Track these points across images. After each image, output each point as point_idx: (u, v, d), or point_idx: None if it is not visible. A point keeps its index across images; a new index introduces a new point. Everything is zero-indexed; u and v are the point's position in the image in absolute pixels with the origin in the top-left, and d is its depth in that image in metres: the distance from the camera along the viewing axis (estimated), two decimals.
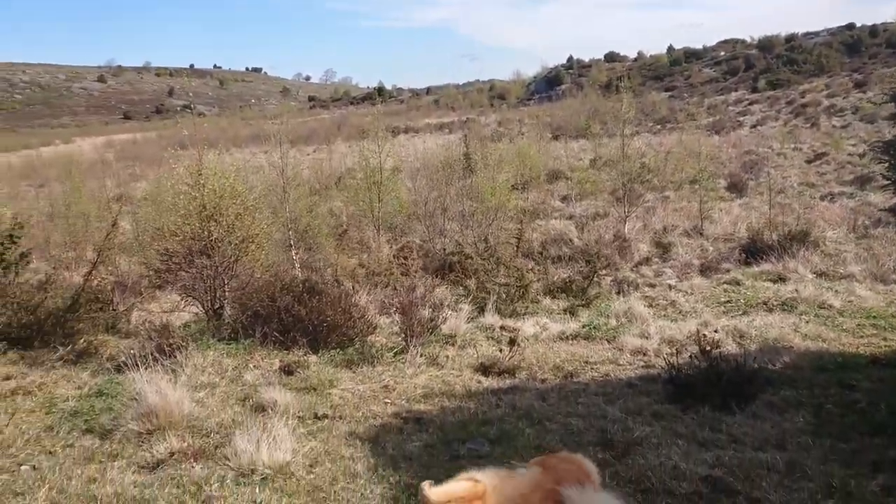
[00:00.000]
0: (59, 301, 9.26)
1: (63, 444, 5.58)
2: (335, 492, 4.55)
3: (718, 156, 30.17)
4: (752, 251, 15.51)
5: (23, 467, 5.11)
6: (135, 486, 4.66)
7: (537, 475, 3.57)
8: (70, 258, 19.92)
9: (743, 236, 18.21)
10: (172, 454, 5.12)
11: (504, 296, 11.67)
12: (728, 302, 11.43)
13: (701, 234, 20.23)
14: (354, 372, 7.56)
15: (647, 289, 13.98)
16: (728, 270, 14.73)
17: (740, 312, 10.55)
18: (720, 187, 26.36)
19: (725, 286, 12.85)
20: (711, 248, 18.23)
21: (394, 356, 8.08)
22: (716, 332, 8.29)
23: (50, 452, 5.40)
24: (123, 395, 6.52)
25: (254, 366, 7.69)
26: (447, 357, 8.14)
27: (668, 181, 27.25)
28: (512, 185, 24.29)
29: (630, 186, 22.37)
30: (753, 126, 43.92)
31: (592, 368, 7.73)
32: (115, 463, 5.11)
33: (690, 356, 6.56)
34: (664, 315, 10.87)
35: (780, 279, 12.79)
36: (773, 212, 19.41)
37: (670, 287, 13.74)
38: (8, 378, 7.51)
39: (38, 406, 6.56)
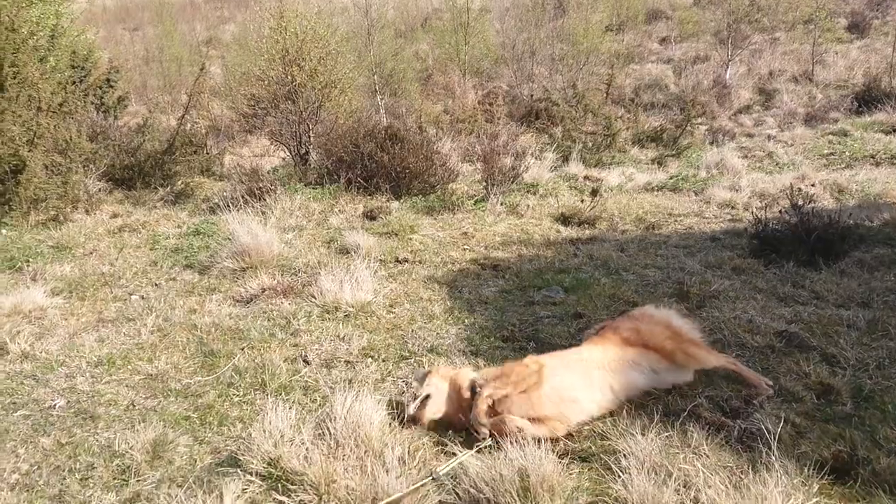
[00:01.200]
0: (156, 144, 9.71)
1: (166, 277, 6.05)
2: (413, 330, 4.78)
3: None
4: (866, 100, 14.35)
5: (133, 297, 5.61)
6: (230, 318, 5.05)
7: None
8: (166, 102, 20.57)
9: (858, 83, 16.80)
10: (264, 290, 5.48)
11: (590, 145, 11.38)
12: (831, 154, 10.76)
13: (810, 80, 18.77)
14: (435, 218, 7.69)
15: (743, 139, 13.31)
16: (836, 120, 13.75)
17: (843, 166, 9.95)
18: (839, 27, 23.97)
19: (830, 137, 12.06)
20: (820, 96, 16.97)
21: (474, 204, 8.15)
22: (812, 185, 7.89)
23: (155, 284, 5.88)
24: (218, 235, 6.93)
25: (338, 210, 7.95)
26: (528, 206, 8.14)
27: (780, 21, 24.98)
28: (606, 27, 22.95)
29: (736, 27, 20.72)
30: None
31: (676, 221, 7.57)
32: (213, 296, 5.52)
33: (781, 210, 6.30)
34: (759, 167, 10.39)
35: (894, 130, 11.84)
36: None
37: (769, 137, 13.03)
38: (115, 216, 8.08)
39: (143, 242, 7.08)
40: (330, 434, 3.26)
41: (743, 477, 2.78)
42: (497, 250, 6.67)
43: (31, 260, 6.43)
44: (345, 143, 8.85)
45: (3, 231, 7.31)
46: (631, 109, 14.27)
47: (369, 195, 8.40)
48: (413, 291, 5.54)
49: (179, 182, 9.33)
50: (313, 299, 5.27)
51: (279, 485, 3.04)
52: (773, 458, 2.79)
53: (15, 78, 7.92)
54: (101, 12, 42.93)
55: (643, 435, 3.10)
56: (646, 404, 3.61)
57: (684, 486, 2.79)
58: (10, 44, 7.96)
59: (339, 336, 4.69)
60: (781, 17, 25.10)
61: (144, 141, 9.62)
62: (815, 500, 2.74)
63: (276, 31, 9.19)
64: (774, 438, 2.92)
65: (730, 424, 3.37)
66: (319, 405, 3.70)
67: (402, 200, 8.32)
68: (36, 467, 3.33)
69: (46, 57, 9.38)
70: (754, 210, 6.92)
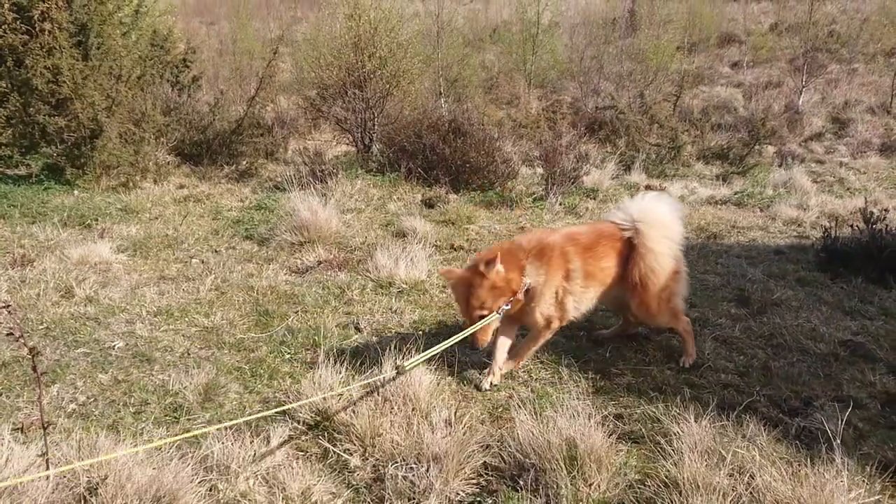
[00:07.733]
0: (225, 124, 9.93)
1: (227, 245, 6.18)
2: None
3: None
4: None
5: (193, 260, 5.74)
6: (286, 284, 5.13)
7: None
8: (236, 93, 21.06)
9: None
10: (320, 262, 5.55)
11: (654, 156, 11.22)
12: None
13: (888, 111, 18.16)
14: (492, 212, 7.67)
15: (813, 164, 12.95)
16: None
17: None
18: None
19: None
20: None
21: (533, 202, 8.10)
22: (886, 211, 7.57)
23: (215, 251, 6.01)
24: (279, 211, 7.03)
25: (397, 198, 8.00)
26: (586, 208, 8.06)
27: (860, 52, 24.28)
28: (677, 47, 22.66)
29: (813, 55, 20.21)
30: None
31: (739, 233, 7.38)
32: (270, 265, 5.61)
33: (852, 225, 6.10)
34: (829, 191, 10.06)
35: None
36: None
37: (841, 164, 12.65)
38: (182, 187, 8.30)
39: (206, 212, 7.25)
40: (378, 391, 3.27)
41: (801, 468, 2.67)
42: None
43: (100, 219, 6.65)
44: (408, 133, 8.92)
45: (76, 192, 7.58)
46: (698, 125, 14.02)
47: (428, 186, 8.44)
48: None
49: (245, 162, 9.54)
50: (368, 274, 5.32)
51: (326, 434, 3.05)
52: (836, 453, 2.66)
53: (99, 48, 8.24)
54: (181, 6, 44.34)
55: (696, 421, 3.01)
56: (700, 396, 3.52)
57: (738, 471, 2.70)
58: (98, 16, 8.29)
59: (391, 309, 4.71)
60: (861, 48, 24.43)
61: (214, 120, 9.86)
62: (877, 497, 2.62)
63: (350, 18, 9.36)
64: (837, 437, 2.80)
65: (787, 422, 3.27)
66: (369, 367, 3.71)
67: (460, 193, 8.33)
68: (92, 399, 3.43)
69: (129, 32, 9.72)
70: (824, 224, 6.70)
